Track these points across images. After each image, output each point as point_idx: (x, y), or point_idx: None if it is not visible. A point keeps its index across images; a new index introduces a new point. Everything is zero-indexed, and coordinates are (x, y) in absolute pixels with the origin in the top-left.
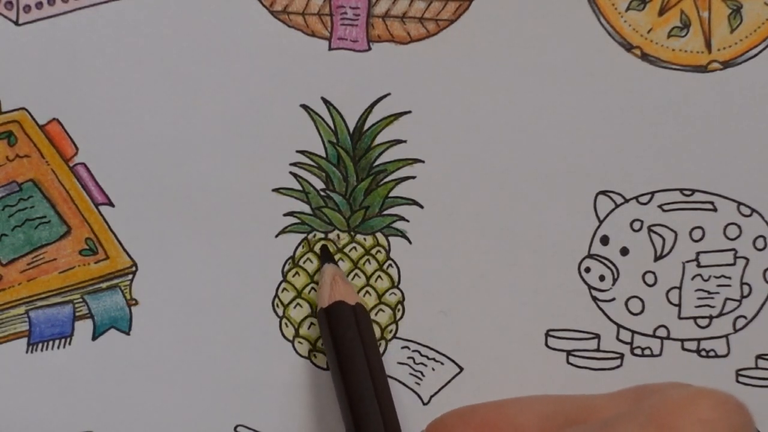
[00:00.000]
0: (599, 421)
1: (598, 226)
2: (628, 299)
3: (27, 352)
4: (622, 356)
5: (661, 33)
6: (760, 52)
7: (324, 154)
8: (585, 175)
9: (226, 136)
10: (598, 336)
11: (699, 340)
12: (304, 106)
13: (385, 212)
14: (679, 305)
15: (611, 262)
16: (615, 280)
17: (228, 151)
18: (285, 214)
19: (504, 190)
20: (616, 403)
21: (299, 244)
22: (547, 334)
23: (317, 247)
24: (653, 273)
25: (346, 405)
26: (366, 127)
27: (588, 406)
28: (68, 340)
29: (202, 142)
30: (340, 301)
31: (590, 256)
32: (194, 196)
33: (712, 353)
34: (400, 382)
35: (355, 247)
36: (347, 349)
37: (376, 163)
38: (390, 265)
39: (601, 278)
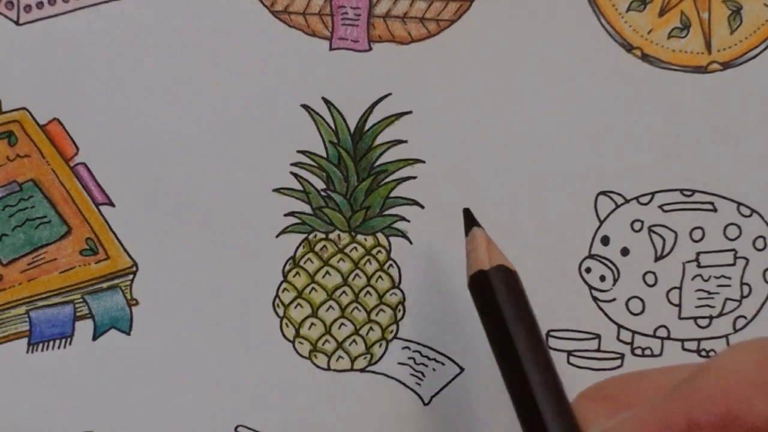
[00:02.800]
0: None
1: (599, 227)
2: (629, 299)
3: (27, 352)
4: (622, 356)
5: (662, 34)
6: (760, 53)
7: (325, 155)
8: (585, 176)
9: (226, 136)
10: (598, 336)
11: (699, 340)
12: (305, 106)
13: (386, 212)
14: (679, 305)
15: (612, 262)
16: (615, 281)
17: (228, 151)
18: (285, 214)
19: (504, 190)
20: None
21: (300, 245)
22: (547, 335)
23: (318, 248)
24: (653, 273)
25: (531, 373)
26: (367, 127)
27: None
28: (68, 340)
29: (202, 142)
30: (500, 265)
31: (591, 256)
32: (194, 196)
33: (712, 353)
34: (400, 382)
35: (355, 248)
36: (522, 311)
37: (377, 163)
38: (391, 265)
39: (602, 278)
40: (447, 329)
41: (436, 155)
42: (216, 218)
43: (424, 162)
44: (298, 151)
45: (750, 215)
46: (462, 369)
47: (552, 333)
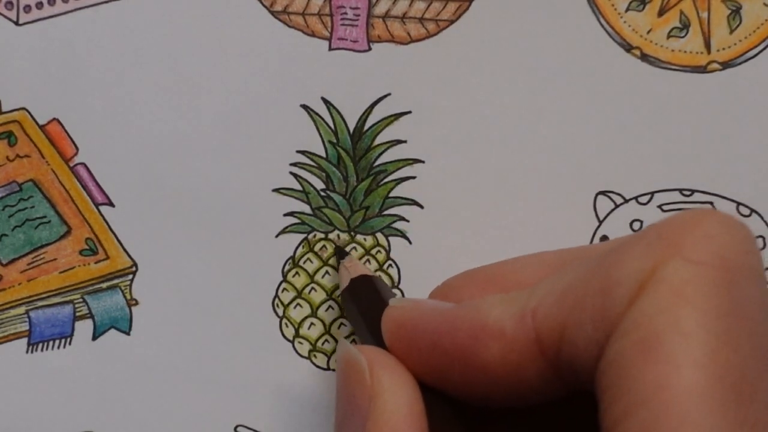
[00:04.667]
0: (606, 250)
1: (598, 226)
2: None
3: (27, 352)
4: None
5: (661, 33)
6: (760, 52)
7: (324, 155)
8: (584, 175)
9: (226, 136)
10: None
11: None
12: (304, 106)
13: (385, 212)
14: None
15: None
16: None
17: (228, 151)
18: (285, 214)
19: (504, 190)
20: (623, 238)
21: (299, 244)
22: None
23: (317, 248)
24: None
25: None
26: (366, 127)
27: (595, 248)
28: (68, 340)
29: (202, 142)
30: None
31: None
32: (194, 196)
33: None
34: None
35: (355, 248)
36: None
37: (376, 163)
38: (390, 265)
39: None
40: None
41: (435, 155)
42: (216, 218)
43: (423, 162)
44: (298, 151)
45: (749, 215)
46: None
47: None
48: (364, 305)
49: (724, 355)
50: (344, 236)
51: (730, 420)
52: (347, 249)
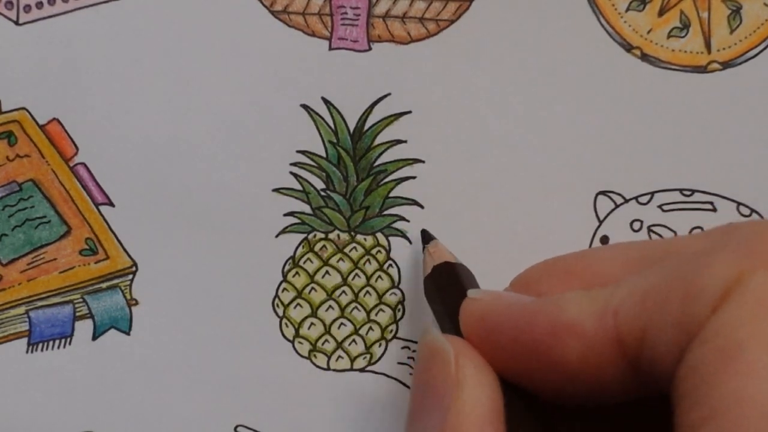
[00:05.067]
0: (690, 254)
1: (598, 227)
2: None
3: (27, 352)
4: None
5: (661, 33)
6: (760, 52)
7: (324, 154)
8: (585, 175)
9: (226, 136)
10: None
11: None
12: (305, 106)
13: (386, 212)
14: None
15: None
16: None
17: (228, 151)
18: (285, 214)
19: (504, 190)
20: (706, 238)
21: (299, 244)
22: None
23: (317, 248)
24: None
25: None
26: (366, 127)
27: (676, 244)
28: (68, 340)
29: (203, 142)
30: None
31: None
32: (194, 196)
33: None
34: (400, 382)
35: (355, 247)
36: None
37: (377, 163)
38: (390, 265)
39: None
40: None
41: (435, 155)
42: (216, 218)
43: (423, 162)
44: (298, 151)
45: (749, 215)
46: None
47: None
48: (445, 294)
49: None
50: (344, 236)
51: None
52: (346, 249)
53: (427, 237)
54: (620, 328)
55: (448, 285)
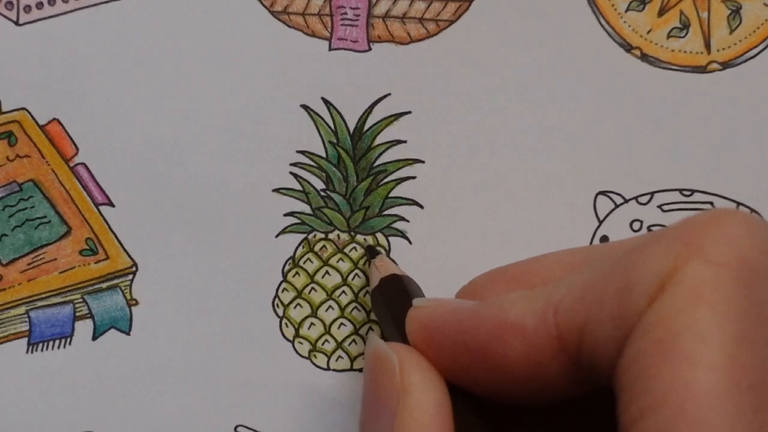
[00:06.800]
0: (628, 248)
1: (598, 227)
2: None
3: (27, 352)
4: None
5: (661, 34)
6: (760, 52)
7: (324, 155)
8: (585, 175)
9: (226, 136)
10: None
11: None
12: (305, 107)
13: (385, 212)
14: None
15: None
16: None
17: (228, 151)
18: (285, 215)
19: (504, 189)
20: (645, 235)
21: (299, 245)
22: None
23: (317, 248)
24: None
25: None
26: (366, 127)
27: (620, 245)
28: (68, 340)
29: (202, 142)
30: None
31: None
32: (194, 196)
33: None
34: None
35: (355, 248)
36: None
37: (376, 163)
38: None
39: None
40: None
41: (435, 155)
42: (216, 218)
43: (423, 162)
44: (298, 151)
45: None
46: None
47: None
48: (393, 305)
49: (742, 357)
50: (344, 236)
51: (746, 423)
52: (346, 249)
53: (373, 252)
54: (561, 325)
55: (395, 296)
